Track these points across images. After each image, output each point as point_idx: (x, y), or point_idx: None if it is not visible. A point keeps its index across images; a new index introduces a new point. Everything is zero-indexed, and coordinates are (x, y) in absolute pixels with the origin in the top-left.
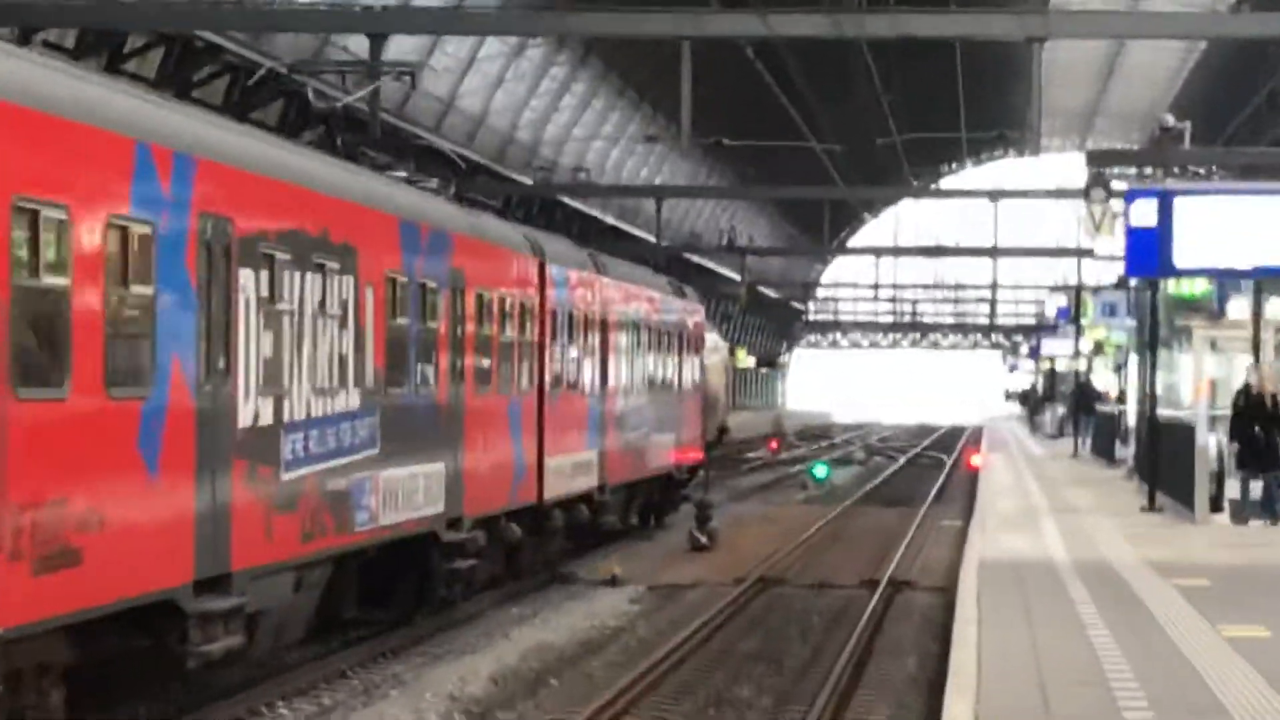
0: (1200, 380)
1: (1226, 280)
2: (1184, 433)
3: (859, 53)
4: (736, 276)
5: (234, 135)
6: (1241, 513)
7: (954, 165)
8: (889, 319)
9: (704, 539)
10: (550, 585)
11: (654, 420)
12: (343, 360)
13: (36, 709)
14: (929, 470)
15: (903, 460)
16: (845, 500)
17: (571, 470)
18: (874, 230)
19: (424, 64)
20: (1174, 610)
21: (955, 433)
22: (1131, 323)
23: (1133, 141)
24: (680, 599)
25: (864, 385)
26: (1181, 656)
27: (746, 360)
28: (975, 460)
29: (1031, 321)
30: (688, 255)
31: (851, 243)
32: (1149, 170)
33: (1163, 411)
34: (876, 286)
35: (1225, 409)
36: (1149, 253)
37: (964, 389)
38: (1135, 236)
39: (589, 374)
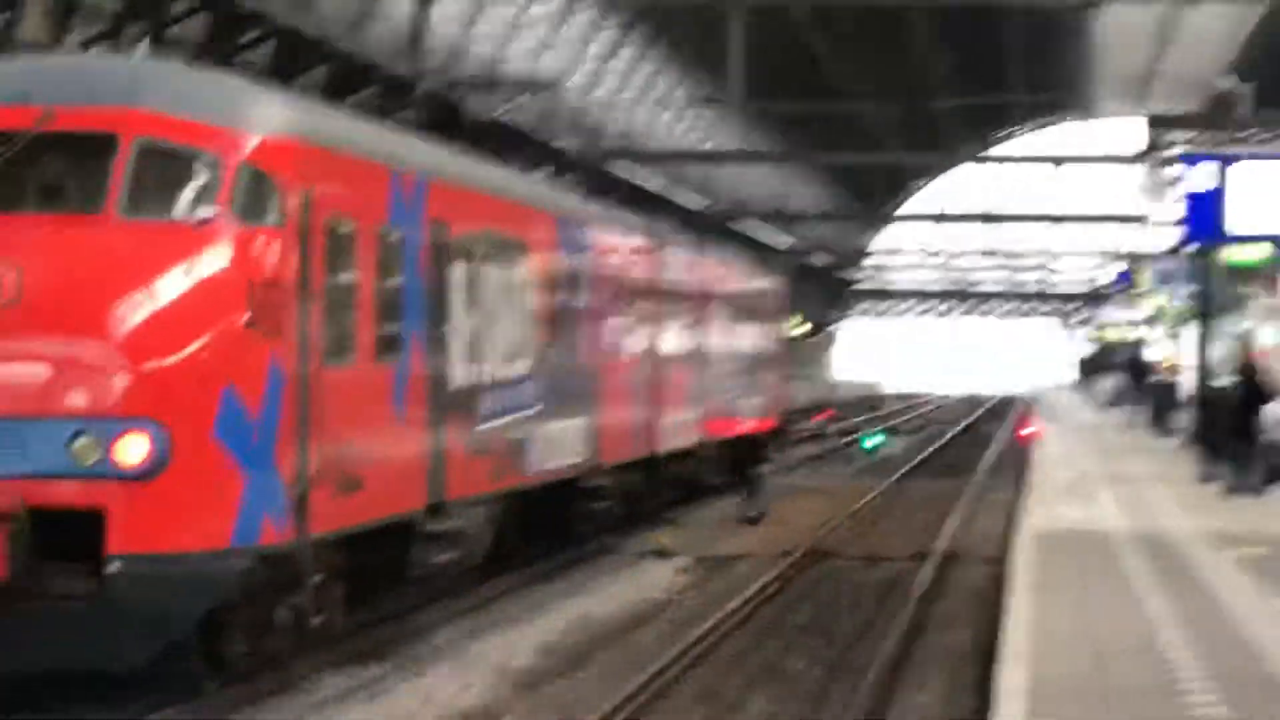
0: (1257, 349)
1: None
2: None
3: (913, 16)
4: (786, 242)
5: (445, 156)
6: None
7: (1010, 130)
8: (940, 287)
9: (753, 511)
10: (596, 556)
11: (744, 386)
12: (517, 334)
13: (325, 603)
14: (981, 441)
15: (954, 431)
16: (896, 472)
17: (679, 427)
18: (927, 197)
19: (562, 82)
20: (1232, 580)
21: (1008, 403)
22: (1188, 290)
23: (1192, 105)
24: (729, 571)
25: (915, 355)
26: (1238, 627)
27: (799, 329)
28: (1028, 431)
29: (1086, 289)
30: (734, 222)
31: (904, 209)
32: (1208, 134)
33: (1220, 381)
34: (928, 254)
35: None
36: (1208, 218)
37: (1018, 358)
38: (1194, 202)
39: (692, 344)
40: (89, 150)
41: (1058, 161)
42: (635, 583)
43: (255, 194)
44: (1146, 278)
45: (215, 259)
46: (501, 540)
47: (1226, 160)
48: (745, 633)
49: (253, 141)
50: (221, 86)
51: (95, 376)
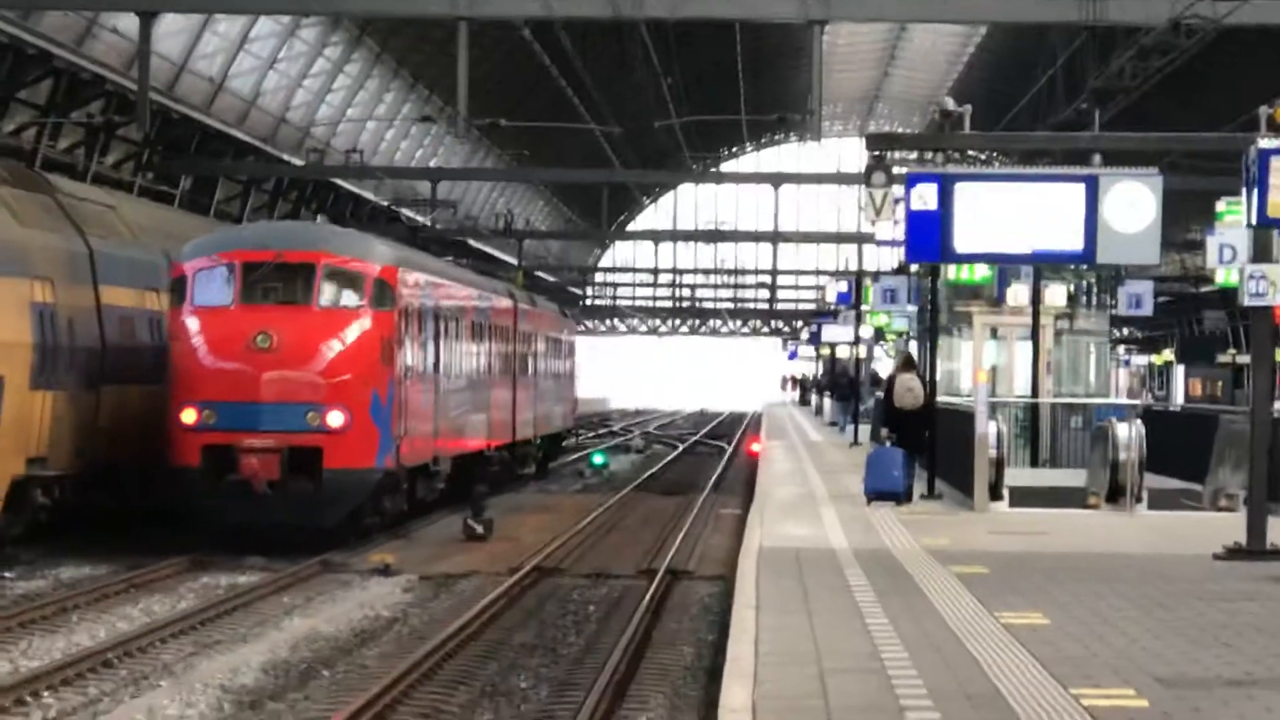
0: (979, 367)
1: (1005, 265)
2: (963, 420)
3: (638, 34)
4: (513, 260)
5: (436, 262)
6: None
7: (734, 149)
8: (668, 304)
9: (479, 528)
10: (321, 574)
11: (555, 396)
12: (460, 362)
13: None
14: (708, 458)
15: (681, 448)
16: (623, 488)
17: (524, 425)
18: (653, 215)
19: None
20: (952, 598)
21: (735, 419)
22: (912, 308)
23: (913, 126)
24: (454, 589)
25: (643, 372)
26: (959, 644)
27: None
28: (755, 447)
29: (812, 307)
30: (463, 238)
31: (630, 227)
32: (929, 155)
33: (942, 398)
34: (655, 271)
35: (1005, 396)
36: (929, 237)
37: (744, 376)
38: (915, 221)
39: (530, 368)
40: (299, 272)
41: (777, 181)
42: (361, 600)
43: (380, 294)
44: (870, 296)
45: (365, 327)
46: (451, 484)
47: (946, 180)
48: (470, 651)
49: (378, 268)
50: (363, 239)
51: (315, 384)
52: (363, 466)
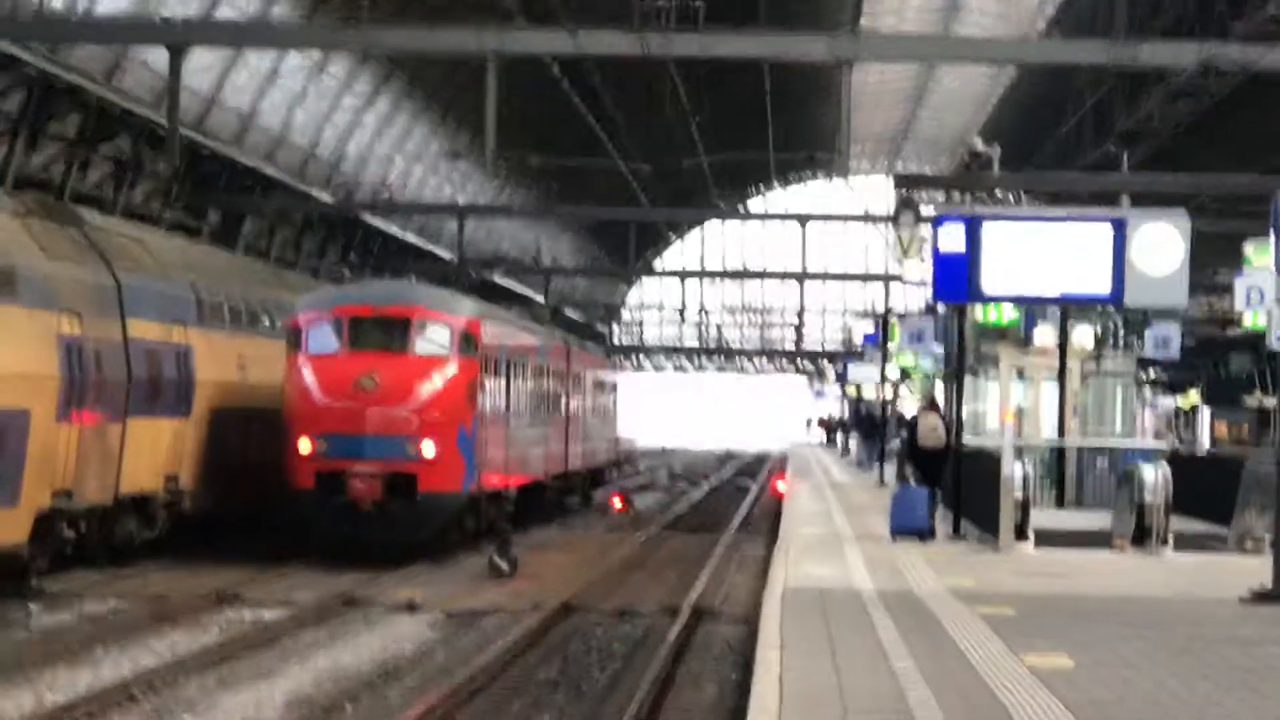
0: (1006, 408)
1: (1033, 307)
2: (989, 461)
3: (667, 72)
4: (539, 297)
5: (506, 313)
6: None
7: (762, 187)
8: (694, 343)
9: (504, 565)
10: (347, 608)
11: (600, 432)
12: (525, 401)
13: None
14: (733, 497)
15: (707, 487)
16: (648, 527)
17: (574, 458)
18: (680, 252)
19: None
20: (978, 639)
21: (760, 459)
22: (939, 349)
23: (941, 167)
24: (480, 625)
25: (669, 410)
26: (985, 686)
27: None
28: (780, 486)
29: (839, 347)
30: (490, 275)
31: (658, 264)
32: (957, 195)
33: (968, 439)
34: (682, 310)
35: (1032, 438)
36: (957, 278)
37: (770, 416)
38: (943, 262)
39: (579, 406)
40: (397, 324)
41: (804, 220)
42: (386, 636)
43: (466, 343)
44: (897, 336)
45: (452, 371)
46: (517, 509)
47: (975, 221)
48: (495, 688)
49: (464, 320)
50: (451, 296)
51: (411, 420)
52: (451, 491)
